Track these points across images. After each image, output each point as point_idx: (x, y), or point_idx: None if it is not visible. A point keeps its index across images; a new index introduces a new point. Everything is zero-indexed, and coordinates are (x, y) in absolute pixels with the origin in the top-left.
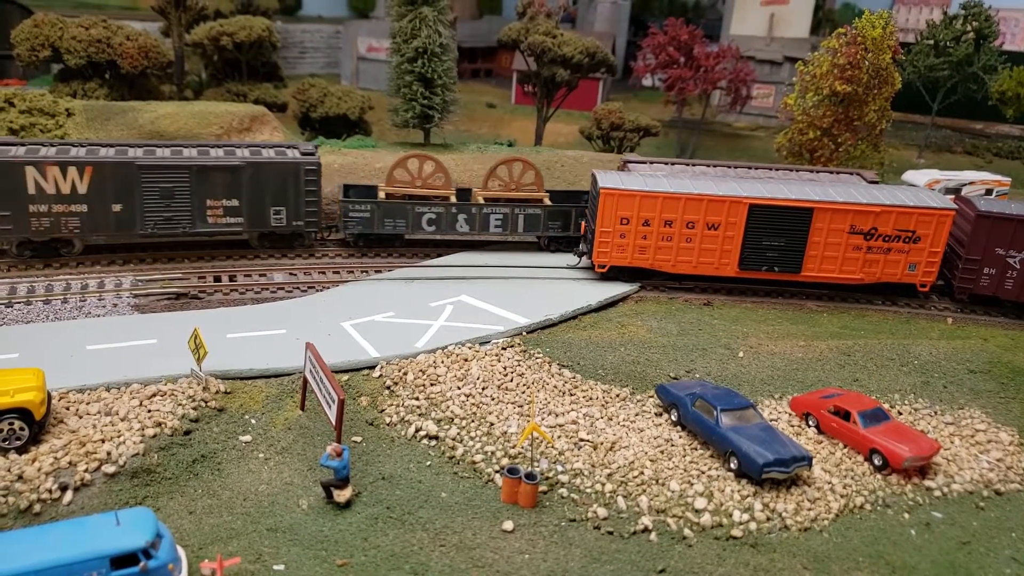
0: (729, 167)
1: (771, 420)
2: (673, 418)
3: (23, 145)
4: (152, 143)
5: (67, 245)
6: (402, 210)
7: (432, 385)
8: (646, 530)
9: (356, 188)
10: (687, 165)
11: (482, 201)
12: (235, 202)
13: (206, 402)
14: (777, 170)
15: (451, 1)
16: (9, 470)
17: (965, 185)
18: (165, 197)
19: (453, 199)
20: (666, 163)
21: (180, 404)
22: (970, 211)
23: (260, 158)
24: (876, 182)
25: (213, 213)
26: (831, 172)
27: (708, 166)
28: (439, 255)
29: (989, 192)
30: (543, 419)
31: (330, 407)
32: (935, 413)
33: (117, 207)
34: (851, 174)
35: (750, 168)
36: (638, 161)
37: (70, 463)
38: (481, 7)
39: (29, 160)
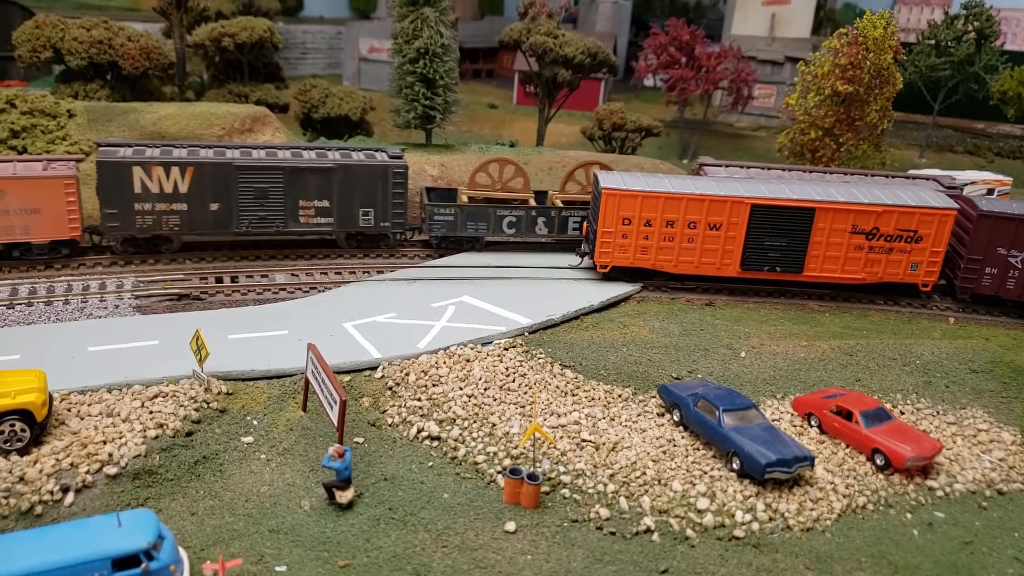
0: (804, 171)
1: (773, 420)
2: (675, 418)
3: (129, 146)
4: (247, 144)
5: (167, 242)
6: (484, 213)
7: (434, 386)
8: (648, 531)
9: (437, 191)
10: (763, 169)
11: (560, 204)
12: (326, 203)
13: (208, 403)
14: (852, 175)
15: (452, 2)
16: (11, 471)
17: (967, 185)
18: (260, 197)
19: (532, 202)
20: (741, 167)
21: (182, 405)
22: (972, 211)
23: (351, 161)
24: (953, 188)
25: (305, 213)
26: (907, 178)
27: (783, 170)
28: (441, 255)
29: (991, 192)
30: (545, 420)
31: (332, 408)
32: (937, 413)
33: (215, 206)
34: (927, 180)
35: (825, 172)
36: (713, 164)
37: (72, 465)
38: (482, 7)
39: (137, 160)
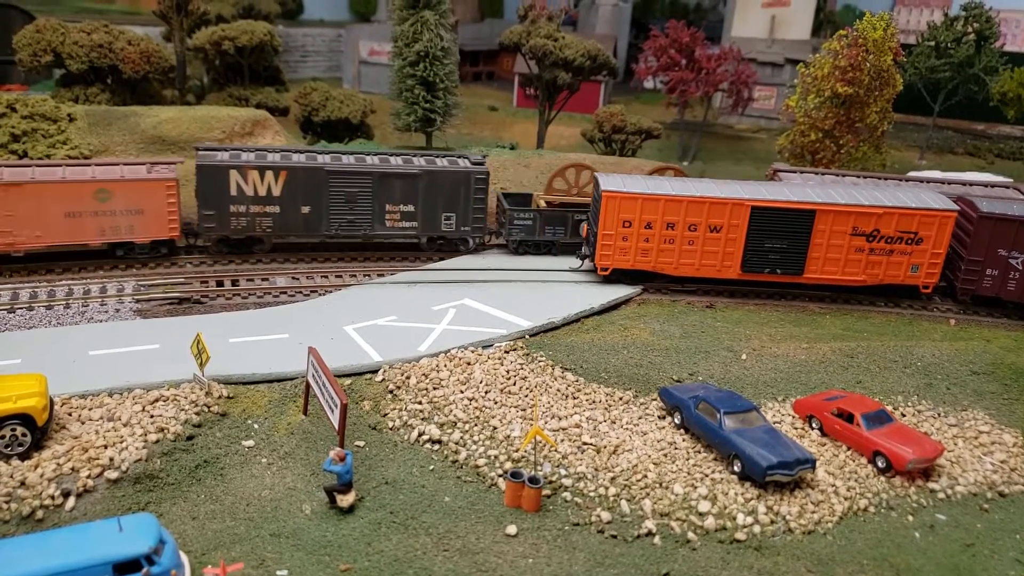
0: (880, 179)
1: (774, 423)
2: (676, 421)
3: (226, 150)
4: (337, 150)
5: (259, 243)
6: (562, 218)
7: (435, 389)
8: (650, 534)
9: (512, 196)
10: (837, 177)
11: (543, 206)
12: (411, 207)
13: (209, 407)
14: (928, 182)
15: (452, 4)
16: (12, 476)
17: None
18: (349, 201)
19: None
20: (816, 173)
21: (183, 409)
22: (972, 212)
23: (435, 167)
24: None
25: (391, 217)
26: (985, 186)
27: (859, 177)
28: (441, 258)
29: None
30: (546, 423)
31: (333, 412)
32: (938, 415)
33: (306, 209)
34: (1006, 187)
35: (900, 180)
36: (788, 171)
37: (73, 469)
38: (482, 10)
39: (234, 164)
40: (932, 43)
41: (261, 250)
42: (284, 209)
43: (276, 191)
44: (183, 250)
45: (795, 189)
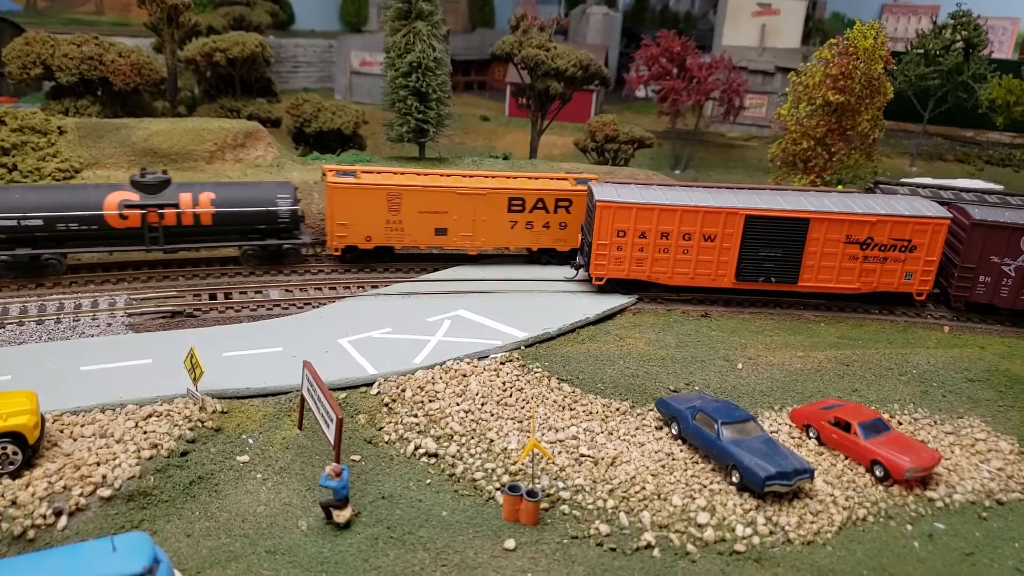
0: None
1: (771, 432)
2: (673, 432)
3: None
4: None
5: None
6: None
7: (431, 402)
8: (649, 546)
9: None
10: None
11: None
12: None
13: (202, 422)
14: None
15: (444, 14)
16: (2, 495)
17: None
18: None
19: None
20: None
21: (176, 425)
22: (965, 220)
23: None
24: None
25: None
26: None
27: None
28: (435, 269)
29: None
30: (543, 434)
31: (328, 426)
32: (935, 423)
33: None
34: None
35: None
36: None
37: (64, 487)
38: (473, 20)
39: None
40: (921, 51)
41: None
42: None
43: None
44: None
45: (789, 198)
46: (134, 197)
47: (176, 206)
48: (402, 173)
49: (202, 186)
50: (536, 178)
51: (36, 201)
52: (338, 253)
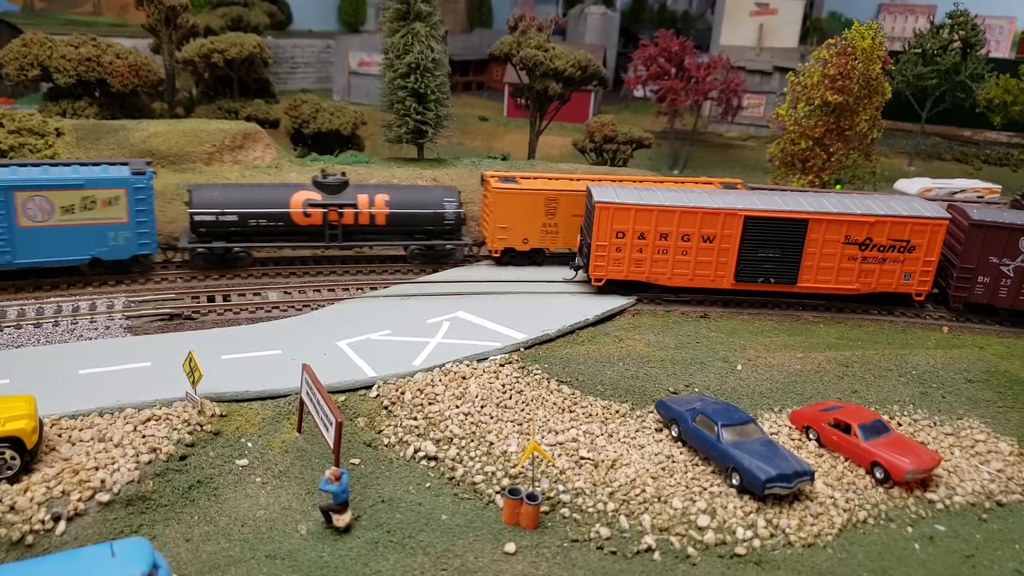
0: None
1: (771, 434)
2: (673, 434)
3: None
4: None
5: None
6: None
7: (430, 404)
8: (649, 549)
9: None
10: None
11: None
12: None
13: (201, 426)
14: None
15: (442, 15)
16: (1, 500)
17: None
18: None
19: None
20: (978, 199)
21: (175, 428)
22: (964, 220)
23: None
24: None
25: None
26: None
27: None
28: (434, 271)
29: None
30: (543, 437)
31: (328, 430)
32: (934, 424)
33: None
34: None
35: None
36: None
37: (63, 492)
38: (472, 20)
39: None
40: (919, 51)
41: None
42: None
43: None
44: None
45: (787, 199)
46: (317, 197)
47: (355, 206)
48: (556, 178)
49: (376, 188)
50: (682, 183)
51: (231, 198)
52: (497, 255)
